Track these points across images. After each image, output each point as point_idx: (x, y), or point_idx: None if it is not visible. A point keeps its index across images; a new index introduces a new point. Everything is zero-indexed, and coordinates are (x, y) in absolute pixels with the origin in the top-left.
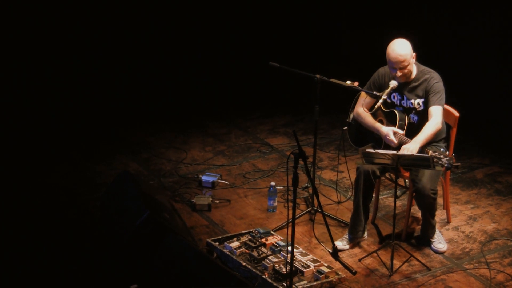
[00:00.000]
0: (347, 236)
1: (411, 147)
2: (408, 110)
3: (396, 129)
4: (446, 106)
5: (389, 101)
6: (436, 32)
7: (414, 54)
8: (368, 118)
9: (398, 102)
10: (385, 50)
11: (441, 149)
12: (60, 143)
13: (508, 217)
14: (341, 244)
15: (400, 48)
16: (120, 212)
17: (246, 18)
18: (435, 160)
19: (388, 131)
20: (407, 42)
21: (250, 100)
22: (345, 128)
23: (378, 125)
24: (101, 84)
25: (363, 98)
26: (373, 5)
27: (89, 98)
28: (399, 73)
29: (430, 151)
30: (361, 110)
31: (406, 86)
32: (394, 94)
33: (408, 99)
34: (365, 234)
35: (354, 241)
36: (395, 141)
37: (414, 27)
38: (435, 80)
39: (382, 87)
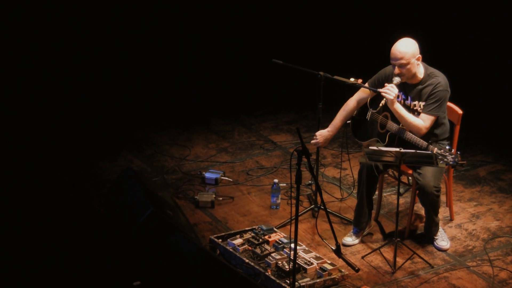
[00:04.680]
0: (353, 231)
1: (394, 94)
2: (411, 111)
3: (321, 138)
4: (450, 104)
5: None
6: (440, 30)
7: (419, 56)
8: (342, 112)
9: (401, 101)
10: (389, 47)
11: (447, 147)
12: (64, 139)
13: (511, 214)
14: (350, 239)
15: (402, 46)
16: (123, 208)
17: (249, 15)
18: (439, 157)
19: (314, 139)
20: (412, 43)
21: (253, 97)
22: (349, 121)
23: (330, 126)
24: (106, 81)
25: (361, 91)
26: (378, 2)
27: (94, 94)
28: (396, 70)
29: (435, 149)
30: (351, 103)
31: (413, 88)
32: (398, 93)
33: (412, 100)
34: (371, 223)
35: (360, 234)
36: (313, 144)
37: (419, 24)
38: (440, 87)
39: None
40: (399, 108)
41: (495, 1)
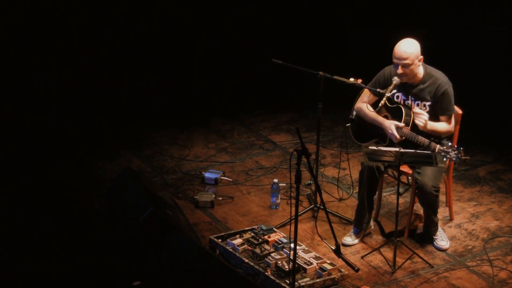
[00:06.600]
0: (352, 231)
1: (425, 117)
2: (411, 110)
3: (399, 124)
4: None
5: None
6: (440, 30)
7: (421, 57)
8: (370, 112)
9: (401, 101)
10: (389, 47)
11: (449, 143)
12: (64, 139)
13: (511, 214)
14: (350, 239)
15: (406, 47)
16: (123, 208)
17: (249, 14)
18: (442, 154)
19: (390, 124)
20: (416, 43)
21: (253, 97)
22: (348, 124)
23: (381, 118)
24: (105, 80)
25: (367, 95)
26: (378, 2)
27: (93, 94)
28: (400, 70)
29: (438, 146)
30: (364, 105)
31: (413, 88)
32: (398, 94)
33: (414, 100)
34: (371, 224)
35: (360, 234)
36: (397, 136)
37: (419, 24)
38: (445, 86)
39: (386, 86)
40: (433, 126)
41: (495, 1)
